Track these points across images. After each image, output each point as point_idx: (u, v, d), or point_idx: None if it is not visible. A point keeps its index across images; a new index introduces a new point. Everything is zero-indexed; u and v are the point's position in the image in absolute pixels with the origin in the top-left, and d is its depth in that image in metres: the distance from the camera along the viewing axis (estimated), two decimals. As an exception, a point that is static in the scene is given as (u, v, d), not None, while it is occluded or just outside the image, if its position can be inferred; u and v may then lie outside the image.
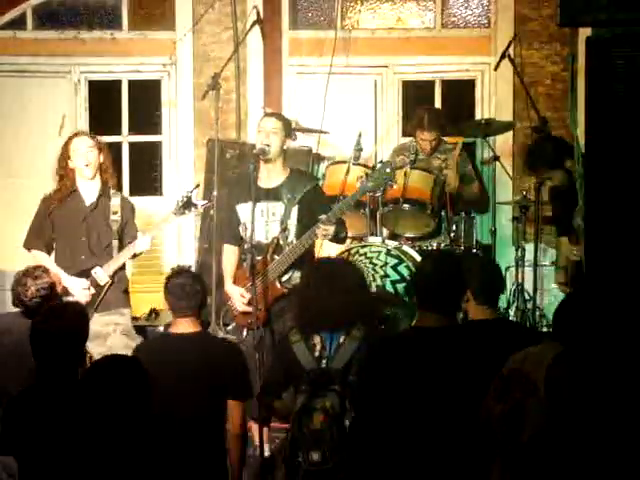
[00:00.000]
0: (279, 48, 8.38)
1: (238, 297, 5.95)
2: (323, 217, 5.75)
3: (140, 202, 7.19)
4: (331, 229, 5.75)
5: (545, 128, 7.42)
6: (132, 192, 8.14)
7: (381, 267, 6.69)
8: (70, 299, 5.86)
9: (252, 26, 7.70)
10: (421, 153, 7.37)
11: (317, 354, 4.62)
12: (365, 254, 6.73)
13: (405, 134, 8.26)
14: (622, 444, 3.63)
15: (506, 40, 7.88)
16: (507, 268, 7.77)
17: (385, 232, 7.13)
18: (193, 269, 7.97)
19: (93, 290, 5.96)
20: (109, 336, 5.98)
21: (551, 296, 7.83)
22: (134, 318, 6.45)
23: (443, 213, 7.22)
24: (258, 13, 7.65)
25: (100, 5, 8.49)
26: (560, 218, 7.38)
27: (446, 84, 8.43)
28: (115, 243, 6.05)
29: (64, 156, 6.08)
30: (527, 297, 7.47)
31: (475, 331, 4.60)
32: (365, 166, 7.03)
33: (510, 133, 8.13)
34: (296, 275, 5.89)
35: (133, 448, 3.85)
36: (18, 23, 8.47)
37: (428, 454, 4.18)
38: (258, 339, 5.43)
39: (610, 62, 4.71)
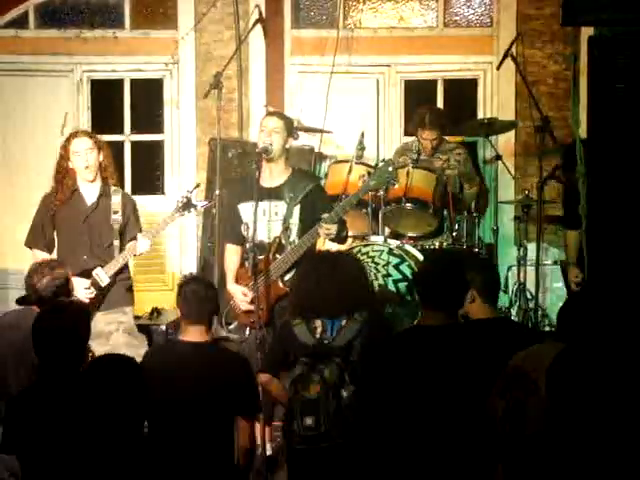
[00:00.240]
0: (281, 47, 8.38)
1: (240, 296, 5.95)
2: (325, 216, 5.75)
3: (142, 201, 7.19)
4: (333, 228, 5.75)
5: (547, 127, 7.41)
6: (134, 191, 8.13)
7: (383, 266, 6.69)
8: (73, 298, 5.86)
9: (254, 25, 7.71)
10: (422, 152, 7.37)
11: (318, 336, 4.69)
12: (367, 253, 6.72)
13: (407, 133, 8.25)
14: (622, 444, 3.63)
15: (508, 39, 7.88)
16: (509, 267, 7.77)
17: (387, 231, 7.12)
18: (195, 268, 8.00)
19: (94, 291, 5.95)
20: (112, 335, 5.98)
21: (553, 296, 7.83)
22: (136, 317, 6.44)
23: (445, 212, 7.21)
24: (260, 12, 7.66)
25: (102, 4, 8.49)
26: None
27: (448, 83, 8.43)
28: (116, 243, 6.04)
29: (64, 156, 6.06)
30: (529, 296, 7.46)
31: (479, 329, 4.60)
32: (367, 165, 7.03)
33: (512, 132, 8.13)
34: (298, 274, 5.90)
35: (131, 448, 3.86)
36: (20, 22, 8.47)
37: (430, 452, 4.19)
38: (260, 338, 5.43)
39: (612, 61, 4.71)
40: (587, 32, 5.35)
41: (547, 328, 7.33)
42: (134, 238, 6.07)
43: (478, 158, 8.12)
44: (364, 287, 4.99)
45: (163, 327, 7.30)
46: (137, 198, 6.52)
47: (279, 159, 5.95)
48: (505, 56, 7.65)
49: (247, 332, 5.91)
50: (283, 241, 5.91)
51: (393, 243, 6.83)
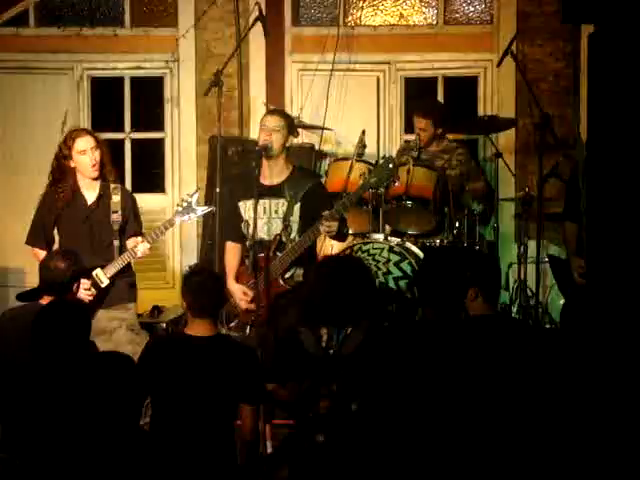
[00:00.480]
0: (282, 45, 8.38)
1: (241, 294, 5.95)
2: (326, 213, 5.75)
3: (142, 199, 7.19)
4: (334, 225, 5.75)
5: (548, 125, 7.40)
6: (134, 189, 8.10)
7: (384, 264, 6.69)
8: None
9: (254, 23, 7.69)
10: (419, 143, 7.30)
11: (324, 344, 4.64)
12: (368, 251, 6.73)
13: (408, 131, 8.26)
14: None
15: (509, 37, 7.87)
16: (510, 265, 7.77)
17: (388, 229, 7.12)
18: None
19: (95, 291, 5.94)
20: (114, 332, 5.97)
21: (554, 293, 7.82)
22: (137, 315, 6.44)
23: (446, 210, 7.21)
24: (260, 10, 7.64)
25: (102, 1, 8.49)
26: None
27: (448, 81, 8.42)
28: (116, 243, 6.03)
29: (67, 156, 6.02)
30: (530, 294, 7.46)
31: (479, 326, 4.60)
32: (368, 163, 7.03)
33: (513, 130, 8.13)
34: (299, 272, 5.90)
35: (126, 443, 3.87)
36: (20, 20, 8.46)
37: (431, 450, 4.19)
38: (261, 336, 5.42)
39: (613, 59, 4.71)
40: (587, 29, 5.34)
41: (548, 325, 7.33)
42: (134, 234, 6.07)
43: (478, 156, 8.12)
44: (373, 295, 4.93)
45: (164, 325, 7.30)
46: (137, 196, 6.51)
47: (279, 157, 5.96)
48: (505, 54, 7.64)
49: (248, 330, 5.92)
50: (283, 239, 5.91)
51: (394, 241, 6.83)
